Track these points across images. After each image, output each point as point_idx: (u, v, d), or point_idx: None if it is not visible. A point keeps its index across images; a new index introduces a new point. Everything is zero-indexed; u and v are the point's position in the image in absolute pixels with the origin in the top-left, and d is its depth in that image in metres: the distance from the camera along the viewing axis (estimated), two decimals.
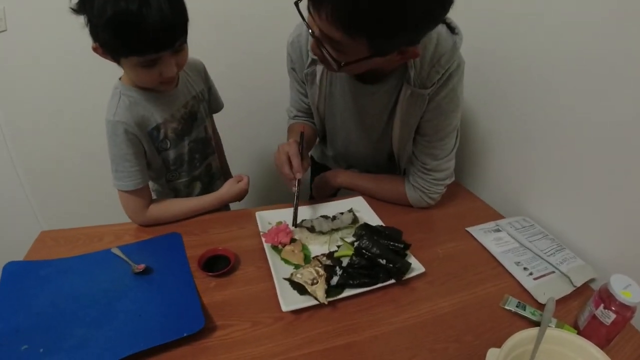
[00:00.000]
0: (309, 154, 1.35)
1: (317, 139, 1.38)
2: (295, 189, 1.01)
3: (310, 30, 0.78)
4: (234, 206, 1.28)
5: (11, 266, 0.91)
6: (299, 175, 1.00)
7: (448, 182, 1.16)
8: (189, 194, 1.20)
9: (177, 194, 1.19)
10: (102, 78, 1.02)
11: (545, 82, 1.11)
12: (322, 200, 1.20)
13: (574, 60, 1.01)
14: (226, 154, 1.49)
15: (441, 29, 0.93)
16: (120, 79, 1.01)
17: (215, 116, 1.33)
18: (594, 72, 0.96)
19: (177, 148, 1.10)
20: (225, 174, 1.45)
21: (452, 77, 0.96)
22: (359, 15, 0.66)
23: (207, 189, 1.25)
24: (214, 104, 1.27)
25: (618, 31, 0.89)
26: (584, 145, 1.02)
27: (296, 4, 0.77)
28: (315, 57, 0.88)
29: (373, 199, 1.21)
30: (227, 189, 1.16)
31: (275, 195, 1.90)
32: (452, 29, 0.96)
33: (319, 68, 1.06)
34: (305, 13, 0.77)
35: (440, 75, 0.94)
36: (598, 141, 0.98)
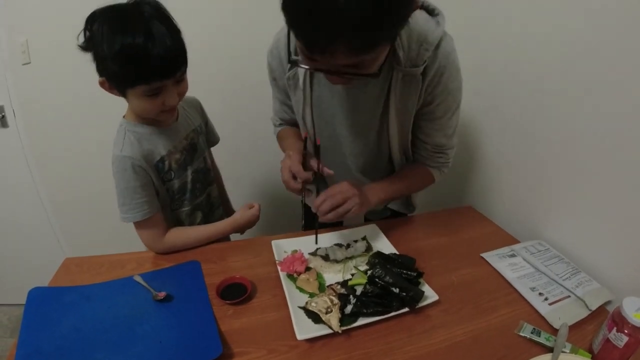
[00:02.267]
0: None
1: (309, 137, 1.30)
2: (302, 196, 1.03)
3: (319, 71, 0.79)
4: (235, 236, 1.30)
5: (36, 291, 0.95)
6: (303, 177, 1.00)
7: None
8: (191, 223, 1.24)
9: (180, 223, 1.22)
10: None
11: (559, 104, 1.12)
12: (336, 228, 1.21)
13: (588, 81, 1.02)
14: (226, 186, 1.55)
15: (420, 13, 0.94)
16: (124, 116, 1.07)
17: (214, 150, 1.39)
18: (611, 94, 0.97)
19: (180, 178, 1.15)
20: (225, 204, 1.50)
21: (449, 55, 0.95)
22: (377, 31, 0.67)
23: (208, 217, 1.29)
24: (211, 138, 1.35)
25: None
26: (598, 167, 1.02)
27: (294, 63, 0.80)
28: (296, 58, 0.84)
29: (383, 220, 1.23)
30: (240, 214, 1.19)
31: (280, 223, 1.92)
32: (430, 11, 0.96)
33: (301, 72, 1.04)
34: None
35: (431, 52, 0.93)
36: (612, 164, 0.98)
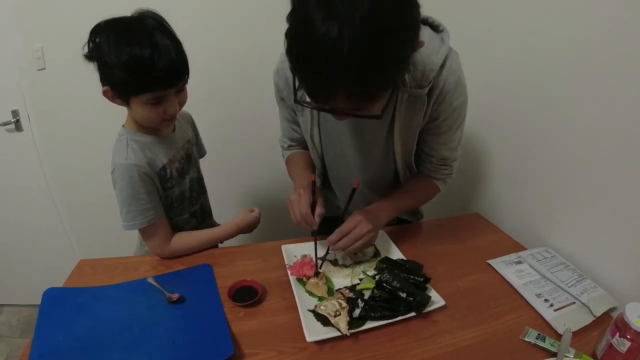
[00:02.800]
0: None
1: (319, 179, 1.30)
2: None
3: (322, 110, 0.82)
4: (240, 241, 1.32)
5: (51, 292, 0.97)
6: (314, 228, 1.02)
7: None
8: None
9: (177, 231, 1.23)
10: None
11: (564, 114, 1.14)
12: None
13: (593, 92, 1.04)
14: (229, 194, 1.61)
15: (425, 30, 0.93)
16: (123, 126, 1.10)
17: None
18: (615, 104, 0.98)
19: (180, 186, 1.18)
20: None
21: (454, 72, 0.94)
22: (377, 81, 0.69)
23: (201, 225, 1.32)
24: (200, 150, 1.39)
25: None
26: (603, 177, 1.04)
27: (299, 102, 0.83)
28: (300, 100, 0.86)
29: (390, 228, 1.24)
30: (242, 217, 1.23)
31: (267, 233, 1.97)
32: (435, 27, 0.96)
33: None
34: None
35: (435, 72, 0.92)
36: (617, 174, 1.00)
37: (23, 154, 1.93)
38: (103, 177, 1.87)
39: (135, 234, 1.28)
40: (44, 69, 1.73)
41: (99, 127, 1.83)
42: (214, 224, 1.41)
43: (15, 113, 1.83)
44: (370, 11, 0.60)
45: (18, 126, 1.86)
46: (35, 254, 2.22)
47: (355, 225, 1.00)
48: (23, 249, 2.21)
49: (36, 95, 1.80)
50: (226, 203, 1.75)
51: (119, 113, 1.06)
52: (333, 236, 0.99)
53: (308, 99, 0.78)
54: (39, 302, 0.92)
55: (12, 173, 1.98)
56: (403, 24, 0.66)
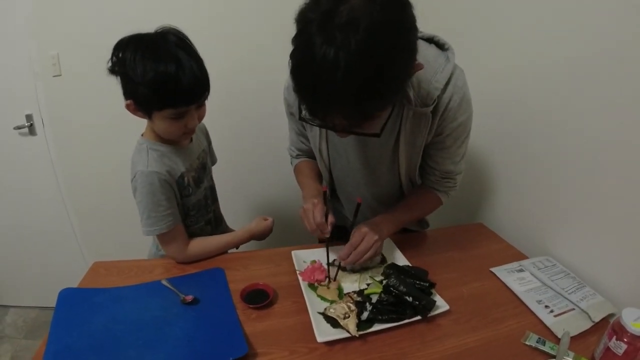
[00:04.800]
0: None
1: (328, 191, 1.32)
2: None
3: (325, 128, 0.87)
4: (249, 247, 1.35)
5: (66, 292, 1.00)
6: (327, 235, 1.06)
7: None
8: None
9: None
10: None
11: (564, 125, 1.18)
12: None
13: (596, 102, 1.07)
14: (240, 200, 1.66)
15: (430, 49, 0.97)
16: (142, 135, 1.15)
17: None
18: (618, 114, 1.02)
19: (196, 194, 1.22)
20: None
21: (459, 90, 0.97)
22: (373, 103, 0.73)
23: (215, 232, 1.36)
24: (212, 158, 1.43)
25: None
26: (603, 188, 1.08)
27: (303, 119, 0.87)
28: (306, 117, 0.90)
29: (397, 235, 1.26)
30: (255, 223, 1.28)
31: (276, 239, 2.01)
32: (441, 45, 0.99)
33: None
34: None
35: (440, 91, 0.95)
36: (617, 185, 1.04)
37: (36, 158, 1.97)
38: (113, 182, 1.95)
39: (147, 239, 1.32)
40: (60, 75, 1.78)
41: (111, 133, 1.89)
42: (227, 230, 1.45)
43: (29, 117, 1.87)
44: (366, 37, 0.64)
45: (32, 130, 1.90)
46: (43, 257, 2.25)
47: (363, 237, 1.04)
48: (31, 251, 2.24)
49: (51, 100, 1.85)
50: (236, 210, 1.79)
51: (132, 121, 1.09)
52: (344, 251, 1.04)
53: (311, 122, 0.83)
54: (45, 304, 0.95)
55: (24, 176, 2.02)
56: (399, 48, 0.70)
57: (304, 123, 1.15)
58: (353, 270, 1.09)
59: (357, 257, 1.02)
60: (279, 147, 1.96)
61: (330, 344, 0.88)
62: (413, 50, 0.75)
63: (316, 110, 0.76)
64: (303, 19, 0.70)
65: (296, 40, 0.71)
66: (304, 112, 0.91)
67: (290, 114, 1.21)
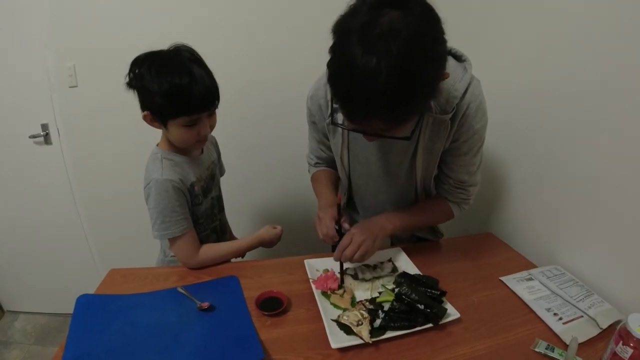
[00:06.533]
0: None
1: (344, 198, 1.39)
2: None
3: (357, 132, 0.90)
4: (255, 256, 1.39)
5: (84, 298, 1.03)
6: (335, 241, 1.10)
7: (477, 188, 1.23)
8: None
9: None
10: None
11: (572, 132, 1.21)
12: None
13: (604, 115, 1.10)
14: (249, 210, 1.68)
15: (450, 60, 0.99)
16: (157, 145, 1.20)
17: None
18: (626, 126, 1.04)
19: (204, 203, 1.27)
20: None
21: (476, 99, 1.01)
22: (408, 109, 0.78)
23: (220, 240, 1.39)
24: (220, 169, 1.48)
25: None
26: (611, 199, 1.10)
27: (334, 124, 0.92)
28: (336, 106, 0.97)
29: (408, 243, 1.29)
30: (265, 230, 1.32)
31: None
32: (458, 57, 1.04)
33: (340, 116, 1.06)
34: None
35: (459, 98, 0.99)
36: (624, 197, 1.05)
37: (51, 167, 2.00)
38: (127, 192, 1.98)
39: (156, 247, 1.35)
40: (76, 86, 1.83)
41: (125, 144, 1.92)
42: (231, 238, 1.51)
43: (44, 127, 1.92)
44: (403, 47, 0.68)
45: (47, 139, 1.94)
46: (54, 264, 2.28)
47: (350, 238, 1.08)
48: (42, 257, 2.27)
49: (66, 111, 1.89)
50: (242, 220, 1.82)
51: (145, 132, 1.15)
52: (335, 254, 1.08)
53: (341, 121, 0.87)
54: (54, 310, 0.97)
55: (38, 184, 2.06)
56: (433, 57, 0.75)
57: (327, 131, 1.19)
58: (365, 279, 1.11)
59: (348, 255, 1.06)
60: (284, 160, 2.00)
61: (343, 350, 0.90)
62: (444, 60, 0.79)
63: (354, 115, 0.81)
64: (341, 29, 0.75)
65: (335, 49, 0.76)
66: (335, 117, 0.98)
67: (312, 123, 1.25)
